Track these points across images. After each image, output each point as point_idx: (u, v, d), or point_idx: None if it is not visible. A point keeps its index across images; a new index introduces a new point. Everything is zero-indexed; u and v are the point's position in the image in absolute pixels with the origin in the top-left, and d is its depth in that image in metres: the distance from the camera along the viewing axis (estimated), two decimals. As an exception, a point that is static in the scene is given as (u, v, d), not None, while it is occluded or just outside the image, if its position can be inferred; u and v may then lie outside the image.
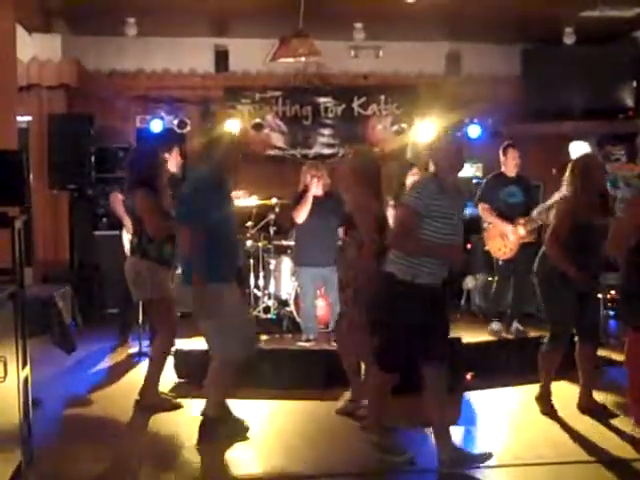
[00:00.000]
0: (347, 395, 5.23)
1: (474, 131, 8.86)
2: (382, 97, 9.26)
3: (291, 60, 7.23)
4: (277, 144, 9.16)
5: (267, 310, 7.49)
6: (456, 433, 4.43)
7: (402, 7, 7.27)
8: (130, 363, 6.43)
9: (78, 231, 8.47)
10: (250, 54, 8.81)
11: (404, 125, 9.13)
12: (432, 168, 4.24)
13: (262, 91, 9.06)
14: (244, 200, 7.38)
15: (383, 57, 9.15)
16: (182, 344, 5.79)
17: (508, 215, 6.69)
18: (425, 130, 8.50)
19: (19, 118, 6.98)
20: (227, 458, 4.34)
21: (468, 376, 5.86)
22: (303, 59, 7.24)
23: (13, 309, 3.79)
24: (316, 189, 6.50)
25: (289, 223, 7.26)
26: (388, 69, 9.25)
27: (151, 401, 5.11)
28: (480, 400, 5.43)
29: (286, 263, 7.47)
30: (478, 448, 4.32)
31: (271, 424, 4.93)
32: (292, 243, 7.20)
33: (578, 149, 7.48)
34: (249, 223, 7.63)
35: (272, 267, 7.51)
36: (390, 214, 5.43)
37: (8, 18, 6.29)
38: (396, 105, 9.26)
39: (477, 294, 7.82)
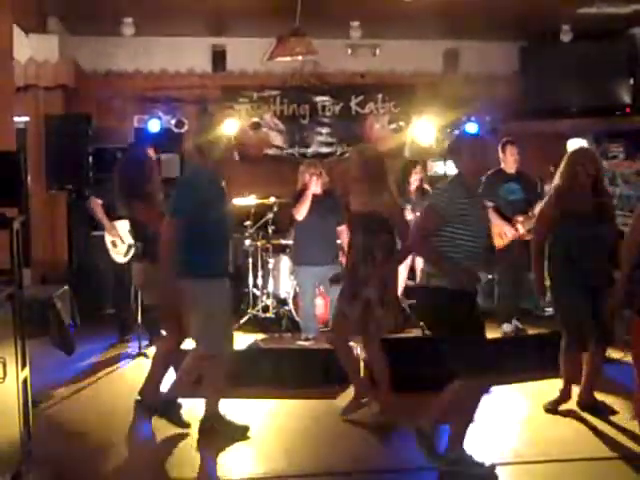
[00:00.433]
0: (347, 395, 5.21)
1: (471, 129, 8.85)
2: (379, 95, 9.25)
3: (288, 59, 7.22)
4: (275, 143, 9.15)
5: (266, 309, 7.49)
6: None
7: (399, 5, 7.26)
8: (130, 363, 6.42)
9: (76, 231, 8.45)
10: (247, 53, 8.79)
11: (402, 123, 9.12)
12: (445, 169, 4.14)
13: (260, 90, 9.06)
14: (243, 199, 7.38)
15: (380, 55, 9.13)
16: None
17: (508, 212, 6.69)
18: (423, 128, 8.51)
19: (16, 119, 6.95)
20: (227, 458, 4.34)
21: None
22: (300, 58, 7.23)
23: (12, 310, 3.79)
24: (315, 187, 6.51)
25: (288, 222, 7.26)
26: (385, 67, 9.23)
27: (151, 401, 5.10)
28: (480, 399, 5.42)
29: (285, 262, 7.47)
30: (479, 446, 4.31)
31: (271, 423, 4.92)
32: (291, 242, 7.20)
33: (575, 146, 7.48)
34: (247, 222, 7.63)
35: (271, 266, 7.51)
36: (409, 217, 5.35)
37: (5, 19, 6.27)
38: (393, 103, 9.25)
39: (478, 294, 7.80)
